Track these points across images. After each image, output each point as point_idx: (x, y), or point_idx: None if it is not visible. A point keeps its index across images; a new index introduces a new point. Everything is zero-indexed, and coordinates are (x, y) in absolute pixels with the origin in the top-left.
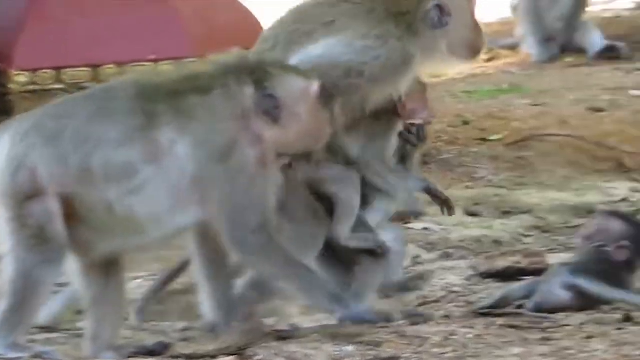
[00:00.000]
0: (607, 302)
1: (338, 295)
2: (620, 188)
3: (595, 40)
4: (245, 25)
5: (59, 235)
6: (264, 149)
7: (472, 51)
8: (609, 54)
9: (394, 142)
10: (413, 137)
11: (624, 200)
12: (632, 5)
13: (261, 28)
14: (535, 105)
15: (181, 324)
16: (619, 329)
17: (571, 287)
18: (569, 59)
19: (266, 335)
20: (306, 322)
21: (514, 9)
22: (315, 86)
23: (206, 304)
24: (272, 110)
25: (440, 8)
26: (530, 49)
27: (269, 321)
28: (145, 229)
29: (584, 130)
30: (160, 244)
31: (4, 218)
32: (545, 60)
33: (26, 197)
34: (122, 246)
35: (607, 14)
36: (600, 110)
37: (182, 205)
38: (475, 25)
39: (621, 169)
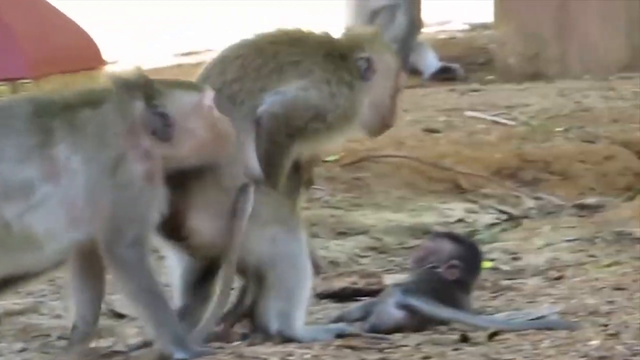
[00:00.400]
0: (441, 321)
1: (182, 338)
2: (456, 209)
3: (430, 62)
4: (84, 48)
5: None
6: (153, 164)
7: (380, 125)
8: (444, 75)
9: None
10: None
11: (459, 221)
12: (466, 27)
13: (99, 50)
14: None
15: (18, 345)
16: (456, 349)
17: (404, 307)
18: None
19: (102, 356)
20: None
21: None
22: (207, 97)
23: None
24: (162, 128)
25: (369, 62)
26: None
27: (106, 342)
28: (42, 246)
29: (420, 151)
30: (55, 261)
31: None
32: None
33: None
34: (17, 265)
35: (442, 35)
36: (435, 131)
37: (76, 220)
38: (393, 103)
39: (457, 190)
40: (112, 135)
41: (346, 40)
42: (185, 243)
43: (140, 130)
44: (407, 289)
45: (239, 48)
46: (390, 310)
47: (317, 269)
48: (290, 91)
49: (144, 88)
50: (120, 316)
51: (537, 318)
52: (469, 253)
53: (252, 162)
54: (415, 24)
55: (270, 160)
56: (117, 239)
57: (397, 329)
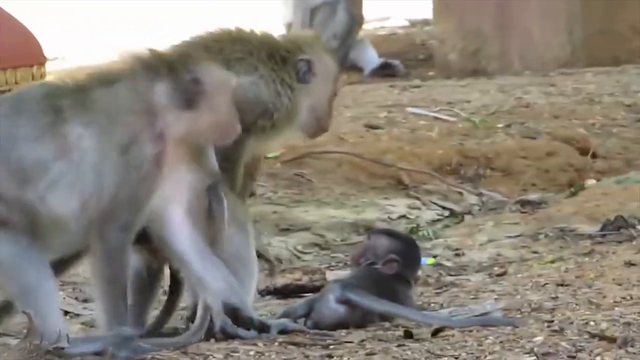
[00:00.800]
0: (382, 316)
1: (129, 335)
2: (398, 205)
3: (371, 58)
4: (24, 45)
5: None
6: (164, 147)
7: (316, 127)
8: (384, 72)
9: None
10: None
11: (402, 217)
12: (406, 23)
13: (40, 47)
14: None
15: None
16: (400, 345)
17: (344, 301)
18: (344, 77)
19: (46, 353)
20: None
21: (288, 25)
22: (234, 80)
23: None
24: (193, 93)
25: (309, 64)
26: None
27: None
28: (68, 226)
29: (362, 148)
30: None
31: None
32: None
33: None
34: (55, 250)
35: (382, 32)
36: (377, 127)
37: (88, 199)
38: (330, 106)
39: (399, 186)
40: (125, 114)
41: (287, 42)
42: (148, 245)
43: (157, 110)
44: (346, 284)
45: (186, 46)
46: (331, 305)
47: (271, 266)
48: (243, 84)
49: (168, 64)
50: (64, 313)
51: (481, 315)
52: (406, 247)
53: (213, 160)
54: (355, 20)
55: (228, 157)
56: (110, 220)
57: (339, 324)
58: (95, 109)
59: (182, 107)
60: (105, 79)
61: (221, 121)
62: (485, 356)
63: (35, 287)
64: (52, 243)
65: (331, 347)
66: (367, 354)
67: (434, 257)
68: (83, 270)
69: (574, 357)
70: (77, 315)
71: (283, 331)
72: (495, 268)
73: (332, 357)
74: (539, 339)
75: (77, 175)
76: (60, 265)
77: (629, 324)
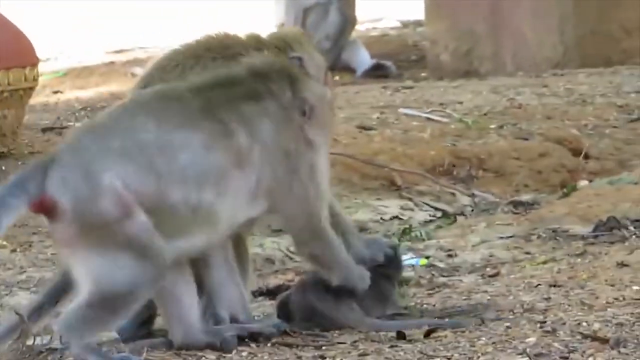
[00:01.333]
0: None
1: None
2: (390, 206)
3: (363, 59)
4: (17, 45)
5: (161, 249)
6: (315, 151)
7: None
8: (376, 73)
9: None
10: None
11: (394, 217)
12: (398, 24)
13: (32, 47)
14: None
15: None
16: (393, 346)
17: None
18: (337, 78)
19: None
20: None
21: (280, 26)
22: (330, 92)
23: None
24: (307, 111)
25: (301, 61)
26: None
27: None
28: (218, 225)
29: (354, 149)
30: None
31: (87, 244)
32: None
33: (115, 221)
34: (191, 245)
35: (374, 33)
36: (369, 128)
37: (254, 201)
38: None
39: (391, 187)
40: (283, 127)
41: (275, 40)
42: None
43: (297, 119)
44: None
45: (176, 55)
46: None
47: None
48: None
49: (289, 77)
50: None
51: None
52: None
53: None
54: (348, 21)
55: None
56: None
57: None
58: (255, 122)
59: (305, 122)
60: (248, 93)
61: (327, 134)
62: (478, 357)
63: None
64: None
65: (323, 347)
66: (360, 355)
67: (427, 258)
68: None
69: (567, 357)
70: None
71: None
72: (488, 269)
73: (325, 357)
74: (532, 339)
75: (246, 182)
76: None
77: (621, 324)
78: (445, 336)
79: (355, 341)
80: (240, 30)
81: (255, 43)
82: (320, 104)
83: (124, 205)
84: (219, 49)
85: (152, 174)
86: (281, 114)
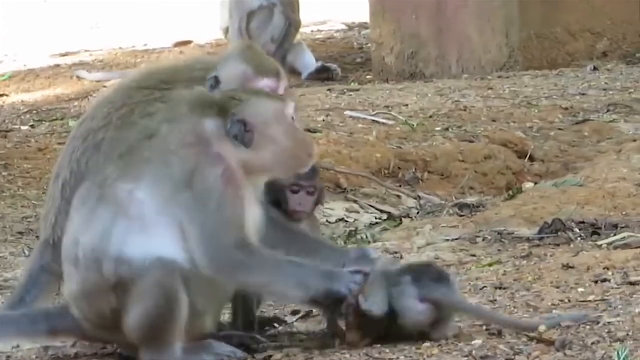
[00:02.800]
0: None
1: (329, 271)
2: (336, 209)
3: (309, 62)
4: None
5: None
6: (230, 166)
7: None
8: (322, 75)
9: None
10: None
11: (340, 220)
12: (343, 27)
13: None
14: None
15: None
16: (338, 352)
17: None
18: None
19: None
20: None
21: (225, 31)
22: (289, 108)
23: None
24: (242, 134)
25: (216, 80)
26: None
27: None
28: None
29: None
30: None
31: None
32: None
33: None
34: None
35: (320, 36)
36: (315, 131)
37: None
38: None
39: (337, 190)
40: (175, 152)
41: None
42: None
43: (210, 140)
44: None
45: (114, 92)
46: (417, 308)
47: None
48: None
49: (218, 102)
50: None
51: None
52: None
53: None
54: (292, 24)
55: None
56: (216, 248)
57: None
58: (142, 161)
59: (239, 146)
60: (148, 131)
61: (283, 152)
62: (424, 359)
63: None
64: None
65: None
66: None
67: None
68: (21, 274)
69: (512, 359)
70: None
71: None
72: None
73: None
74: (478, 342)
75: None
76: None
77: (567, 327)
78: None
79: (301, 340)
80: (185, 34)
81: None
82: (265, 122)
83: None
84: (152, 89)
85: None
86: (181, 139)
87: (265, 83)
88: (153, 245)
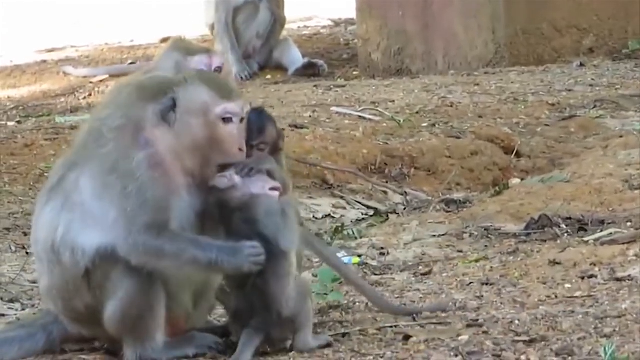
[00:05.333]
0: None
1: (232, 246)
2: (322, 204)
3: (295, 58)
4: None
5: None
6: (158, 151)
7: None
8: (308, 71)
9: None
10: None
11: (327, 216)
12: (330, 23)
13: None
14: None
15: None
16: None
17: None
18: (269, 76)
19: None
20: None
21: (211, 27)
22: (221, 107)
23: None
24: (166, 111)
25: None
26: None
27: None
28: None
29: (287, 147)
30: None
31: None
32: (245, 78)
33: None
34: None
35: (306, 32)
36: (302, 127)
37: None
38: None
39: (323, 185)
40: (104, 137)
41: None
42: None
43: (142, 124)
44: None
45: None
46: None
47: None
48: None
49: (167, 86)
50: None
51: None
52: None
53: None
54: (278, 20)
55: None
56: (130, 230)
57: None
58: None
59: (163, 123)
60: (94, 120)
61: (202, 143)
62: (411, 355)
63: None
64: None
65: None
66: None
67: (359, 256)
68: (8, 270)
69: (499, 356)
70: (3, 315)
71: None
72: (420, 267)
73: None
74: (464, 337)
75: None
76: None
77: (551, 322)
78: (378, 334)
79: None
80: (171, 30)
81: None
82: (190, 108)
83: None
84: None
85: None
86: (115, 125)
87: (197, 60)
88: (97, 231)
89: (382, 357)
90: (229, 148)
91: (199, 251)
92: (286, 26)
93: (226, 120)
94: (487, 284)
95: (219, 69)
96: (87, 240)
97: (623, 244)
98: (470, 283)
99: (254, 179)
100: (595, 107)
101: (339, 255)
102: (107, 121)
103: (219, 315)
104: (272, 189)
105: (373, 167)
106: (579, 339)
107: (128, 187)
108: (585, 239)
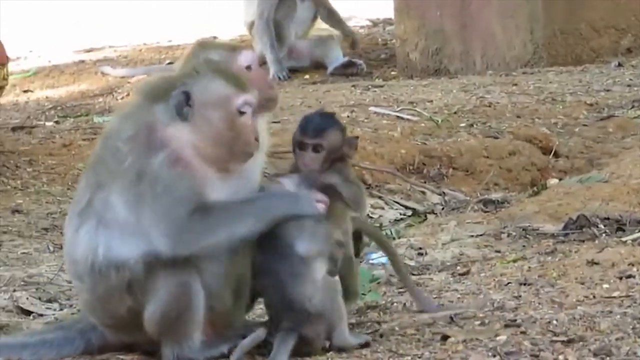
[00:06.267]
0: None
1: (291, 194)
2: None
3: (336, 56)
4: None
5: None
6: (175, 148)
7: None
8: (347, 70)
9: None
10: None
11: (366, 216)
12: (368, 23)
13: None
14: (275, 122)
15: None
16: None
17: None
18: (307, 76)
19: None
20: None
21: (249, 25)
22: (240, 99)
23: None
24: (181, 105)
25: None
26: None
27: None
28: None
29: None
30: None
31: None
32: (282, 78)
33: None
34: None
35: None
36: None
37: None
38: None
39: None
40: (123, 144)
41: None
42: None
43: (155, 124)
44: None
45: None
46: None
47: None
48: None
49: (172, 83)
50: (27, 313)
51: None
52: None
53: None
54: (317, 19)
55: None
56: (171, 225)
57: None
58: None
59: (177, 119)
60: (106, 132)
61: (217, 136)
62: (449, 355)
63: None
64: None
65: None
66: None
67: None
68: (46, 270)
69: (537, 356)
70: (41, 315)
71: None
72: (458, 267)
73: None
74: (502, 338)
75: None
76: None
77: (590, 323)
78: (416, 334)
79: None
80: (209, 29)
81: None
82: (206, 102)
83: None
84: None
85: None
86: (129, 130)
87: (243, 57)
88: (137, 241)
89: (419, 357)
90: (247, 139)
91: (252, 207)
92: (324, 26)
93: (243, 112)
94: (525, 284)
95: (249, 68)
96: (129, 253)
97: None
98: (508, 283)
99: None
100: (633, 107)
101: (377, 255)
102: (120, 134)
103: (257, 315)
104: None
105: (411, 167)
106: (616, 339)
107: (156, 189)
108: (623, 239)
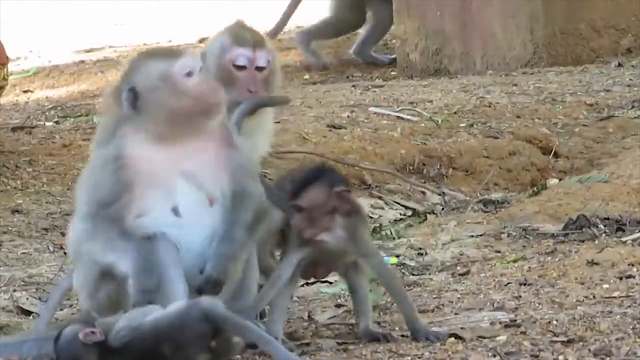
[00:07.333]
0: None
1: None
2: (361, 204)
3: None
4: None
5: None
6: (123, 146)
7: None
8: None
9: None
10: None
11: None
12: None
13: (3, 49)
14: (275, 122)
15: None
16: (364, 344)
17: None
18: (307, 76)
19: None
20: None
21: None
22: (177, 65)
23: None
24: (132, 102)
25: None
26: None
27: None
28: None
29: (324, 147)
30: None
31: None
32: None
33: None
34: None
35: None
36: (340, 127)
37: None
38: None
39: (361, 186)
40: (102, 142)
41: None
42: None
43: (119, 124)
44: None
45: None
46: None
47: None
48: None
49: (127, 75)
50: (27, 313)
51: None
52: None
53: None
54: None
55: None
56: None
57: None
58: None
59: (136, 113)
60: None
61: (174, 111)
62: (449, 355)
63: None
64: None
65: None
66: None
67: (397, 256)
68: (46, 271)
69: (537, 356)
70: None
71: None
72: (458, 267)
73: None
74: (502, 338)
75: None
76: None
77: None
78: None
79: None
80: (209, 29)
81: None
82: (149, 86)
83: None
84: None
85: None
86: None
87: (239, 52)
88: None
89: (420, 358)
90: (203, 97)
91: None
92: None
93: (187, 75)
94: (525, 284)
95: (262, 69)
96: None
97: None
98: (508, 283)
99: None
100: (633, 107)
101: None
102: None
103: None
104: None
105: (411, 168)
106: (616, 339)
107: (91, 180)
108: (623, 239)
